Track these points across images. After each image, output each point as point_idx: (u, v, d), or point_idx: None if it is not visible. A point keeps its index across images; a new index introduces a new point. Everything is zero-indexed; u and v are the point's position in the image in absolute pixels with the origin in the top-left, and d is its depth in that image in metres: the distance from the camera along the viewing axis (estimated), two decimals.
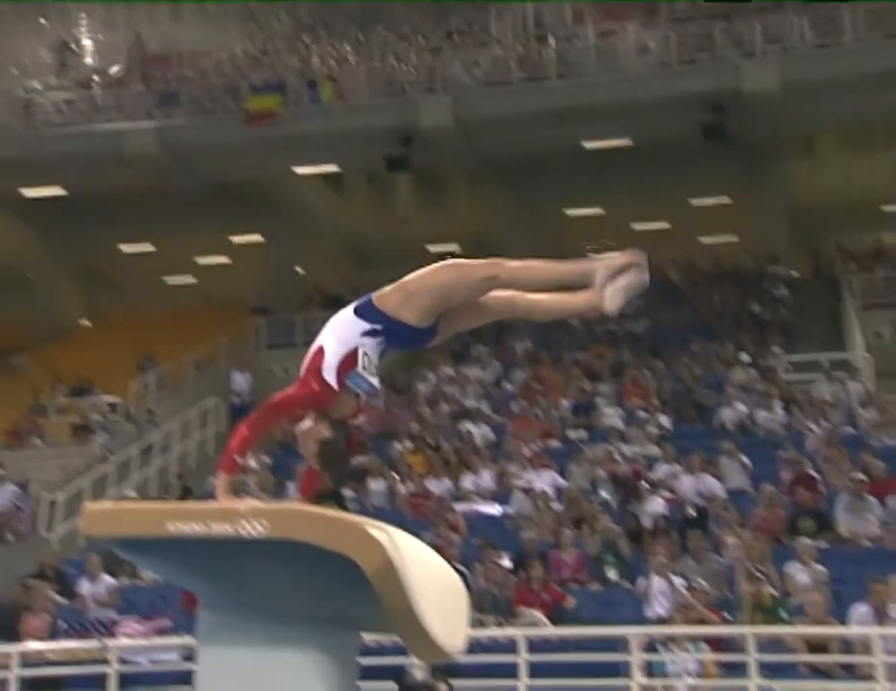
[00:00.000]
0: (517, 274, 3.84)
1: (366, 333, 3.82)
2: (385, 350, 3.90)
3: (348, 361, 3.79)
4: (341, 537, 3.47)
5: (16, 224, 24.67)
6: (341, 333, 3.81)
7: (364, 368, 3.82)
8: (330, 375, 3.78)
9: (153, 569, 4.75)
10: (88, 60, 25.76)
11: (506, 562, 11.16)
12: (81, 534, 11.75)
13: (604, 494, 13.07)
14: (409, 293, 3.83)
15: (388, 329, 3.82)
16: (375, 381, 3.85)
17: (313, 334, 4.02)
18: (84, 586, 11.79)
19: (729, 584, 10.59)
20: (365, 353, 3.82)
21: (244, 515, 3.61)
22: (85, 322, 25.86)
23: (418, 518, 12.61)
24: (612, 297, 3.75)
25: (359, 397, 3.88)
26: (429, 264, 4.02)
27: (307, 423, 3.85)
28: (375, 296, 3.88)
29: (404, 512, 13.09)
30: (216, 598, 3.86)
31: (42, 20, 27.41)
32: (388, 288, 3.93)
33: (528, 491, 12.99)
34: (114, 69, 24.37)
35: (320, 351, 3.82)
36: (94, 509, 4.02)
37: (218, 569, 3.80)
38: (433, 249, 24.75)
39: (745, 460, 13.27)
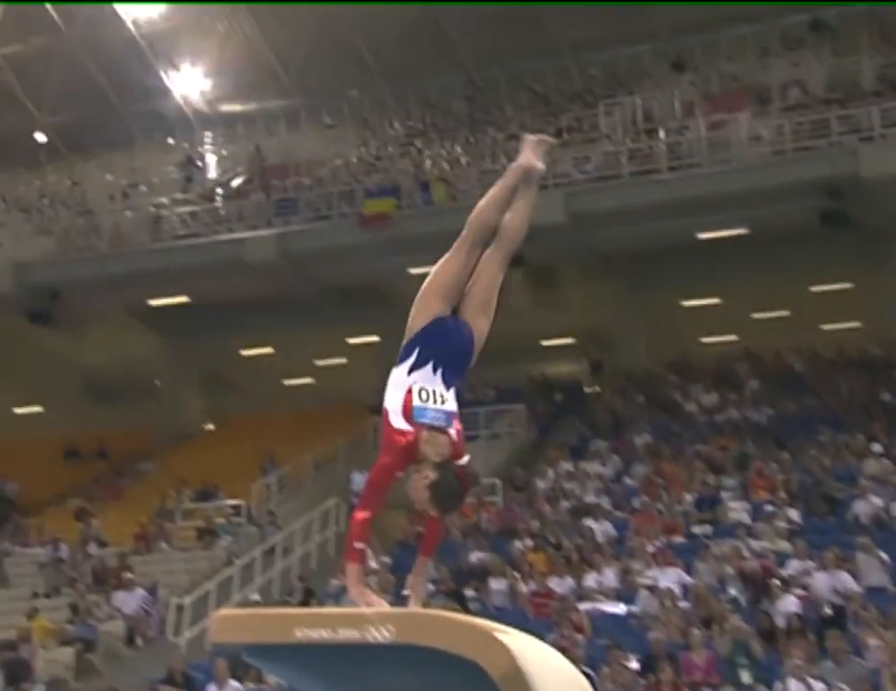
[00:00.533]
0: (483, 213, 4.19)
1: (412, 369, 3.88)
2: (438, 367, 3.88)
3: (407, 401, 3.83)
4: (468, 642, 3.47)
5: (143, 332, 25.62)
6: (393, 384, 3.90)
7: (423, 400, 3.83)
8: (398, 421, 3.81)
9: (279, 674, 4.80)
10: (211, 174, 26.82)
11: (634, 664, 10.90)
12: (208, 638, 11.91)
13: (733, 592, 12.71)
14: (415, 307, 4.00)
15: (421, 349, 3.89)
16: (443, 407, 3.85)
17: None
18: (210, 690, 11.89)
19: (874, 690, 10.13)
20: (421, 388, 3.85)
21: (370, 621, 3.64)
22: (209, 426, 26.51)
23: (541, 618, 12.43)
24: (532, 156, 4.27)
25: (443, 431, 3.85)
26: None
27: (412, 478, 3.85)
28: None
29: (526, 612, 12.93)
30: None
31: (170, 139, 28.76)
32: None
33: (653, 590, 12.72)
34: (236, 182, 25.30)
35: (384, 411, 3.88)
36: (222, 616, 4.10)
37: (343, 674, 3.83)
38: (546, 343, 24.78)
39: (884, 555, 12.76)
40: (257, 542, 17.51)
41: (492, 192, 4.24)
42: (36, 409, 29.40)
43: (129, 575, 16.13)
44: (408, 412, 3.83)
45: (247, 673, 12.12)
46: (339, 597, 14.19)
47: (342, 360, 26.93)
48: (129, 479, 23.09)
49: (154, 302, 23.41)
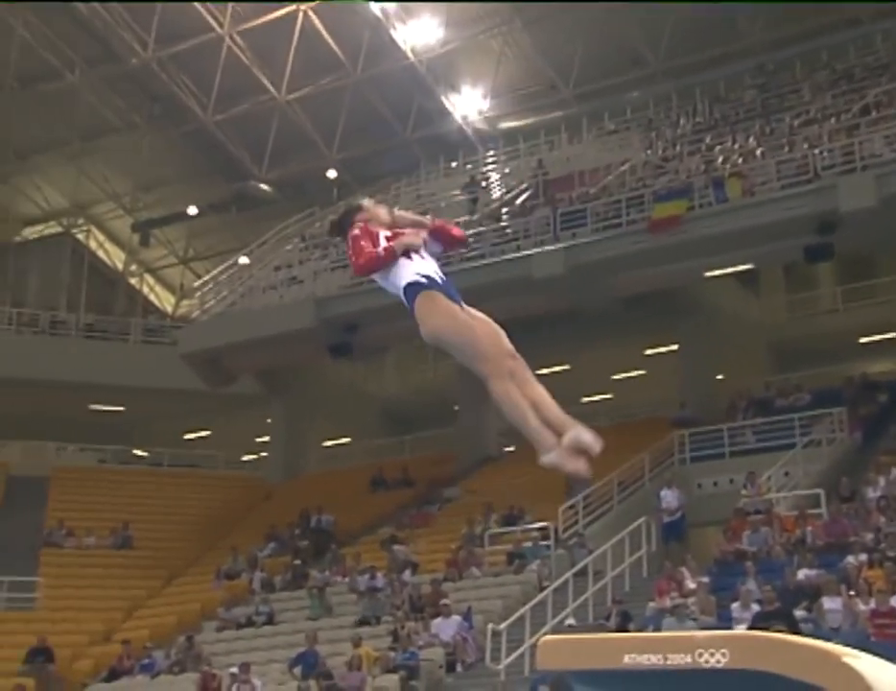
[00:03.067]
0: (503, 395, 4.24)
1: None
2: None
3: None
4: (813, 667, 3.39)
5: (438, 357, 26.48)
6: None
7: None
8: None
9: None
10: (495, 193, 27.42)
11: None
12: (527, 664, 12.13)
13: None
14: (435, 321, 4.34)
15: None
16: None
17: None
18: None
19: None
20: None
21: (702, 644, 3.62)
22: (509, 448, 27.00)
23: (884, 640, 11.82)
24: (564, 461, 4.12)
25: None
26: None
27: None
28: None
29: (866, 634, 12.33)
30: None
31: (453, 163, 29.68)
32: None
33: None
34: (520, 198, 25.72)
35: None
36: (550, 642, 4.19)
37: None
38: (865, 340, 23.63)
39: None
40: (566, 565, 17.64)
41: (522, 406, 4.23)
42: (343, 441, 31.05)
43: (445, 601, 16.68)
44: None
45: None
46: (658, 620, 14.08)
47: (639, 371, 26.77)
48: (436, 505, 23.86)
49: None
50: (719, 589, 14.47)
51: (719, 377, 25.01)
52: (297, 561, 21.26)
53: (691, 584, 14.85)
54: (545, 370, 26.63)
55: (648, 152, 24.84)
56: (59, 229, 35.19)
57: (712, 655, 3.60)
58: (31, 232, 35.45)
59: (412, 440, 29.21)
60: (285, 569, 21.21)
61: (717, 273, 21.95)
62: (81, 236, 35.21)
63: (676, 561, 16.10)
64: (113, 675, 18.85)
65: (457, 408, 27.58)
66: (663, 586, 15.04)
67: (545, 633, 11.78)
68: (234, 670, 16.11)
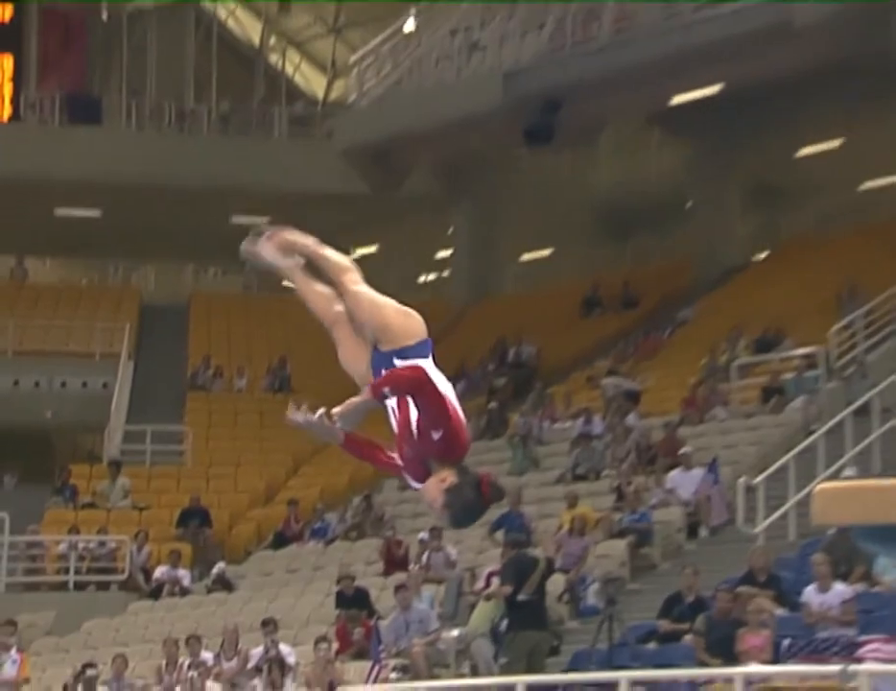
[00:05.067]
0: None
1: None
2: None
3: None
4: None
5: (666, 140, 26.03)
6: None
7: None
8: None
9: None
10: None
11: None
12: (792, 525, 12.12)
13: None
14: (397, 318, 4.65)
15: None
16: None
17: None
18: (809, 595, 12.09)
19: None
20: None
21: None
22: (761, 255, 26.58)
23: None
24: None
25: None
26: None
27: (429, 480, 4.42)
28: None
29: None
30: None
31: None
32: None
33: None
34: None
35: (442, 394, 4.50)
36: (829, 490, 4.18)
37: None
38: None
39: None
40: (841, 402, 17.42)
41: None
42: (545, 253, 31.10)
43: (683, 450, 16.78)
44: None
45: (853, 570, 12.19)
46: None
47: None
48: (667, 330, 23.80)
49: (678, 99, 23.61)
50: None
51: None
52: (493, 404, 21.66)
53: None
54: (809, 151, 25.84)
55: None
56: None
57: None
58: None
59: (634, 248, 29.02)
60: (478, 414, 21.60)
61: None
62: (207, 3, 35.55)
63: None
64: (279, 540, 19.87)
65: (690, 205, 27.18)
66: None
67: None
68: (423, 536, 16.67)
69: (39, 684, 15.82)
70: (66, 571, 19.93)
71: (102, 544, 20.21)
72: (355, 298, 4.60)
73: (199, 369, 26.20)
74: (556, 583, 14.65)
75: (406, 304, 4.62)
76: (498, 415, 21.22)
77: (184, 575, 19.11)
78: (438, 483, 4.37)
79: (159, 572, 19.22)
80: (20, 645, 15.54)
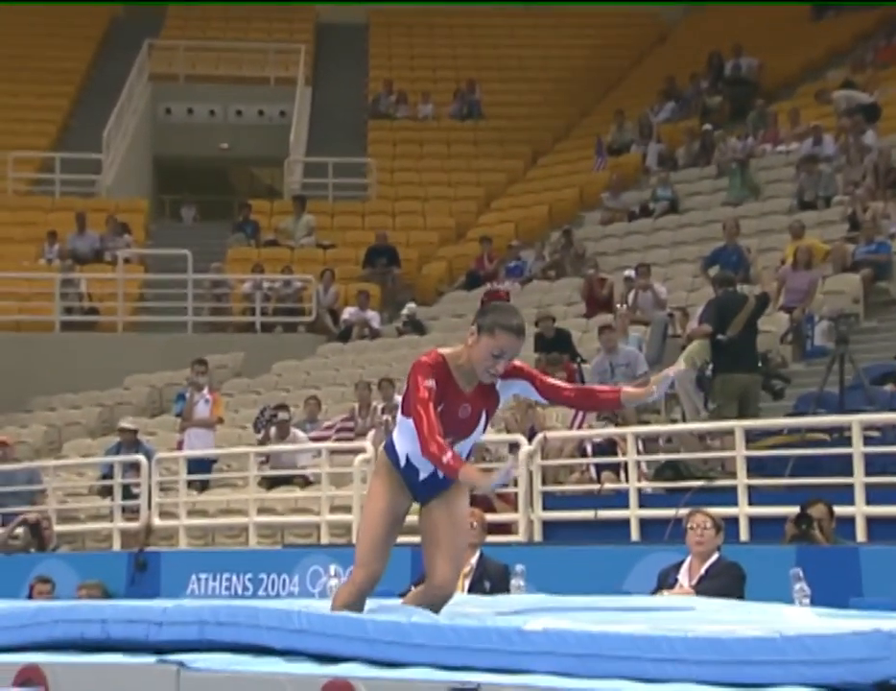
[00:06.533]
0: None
1: None
2: None
3: None
4: None
5: None
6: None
7: None
8: None
9: None
10: None
11: None
12: None
13: None
14: None
15: None
16: None
17: None
18: None
19: None
20: None
21: None
22: None
23: None
24: None
25: None
26: None
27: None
28: None
29: None
30: None
31: None
32: None
33: None
34: None
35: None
36: None
37: None
38: None
39: None
40: None
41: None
42: None
43: None
44: None
45: None
46: None
47: None
48: None
49: None
50: None
51: None
52: (708, 126, 21.35)
53: None
54: None
55: None
56: None
57: None
58: None
59: None
60: (691, 137, 21.37)
61: None
62: None
63: None
64: (473, 280, 20.11)
65: None
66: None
67: None
68: (629, 273, 16.71)
69: (233, 424, 16.49)
70: (252, 312, 20.53)
71: (287, 284, 20.75)
72: None
73: (380, 94, 26.22)
74: (778, 321, 14.60)
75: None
76: (713, 137, 20.89)
77: (373, 316, 19.56)
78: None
79: (347, 313, 19.72)
80: (212, 385, 16.13)
